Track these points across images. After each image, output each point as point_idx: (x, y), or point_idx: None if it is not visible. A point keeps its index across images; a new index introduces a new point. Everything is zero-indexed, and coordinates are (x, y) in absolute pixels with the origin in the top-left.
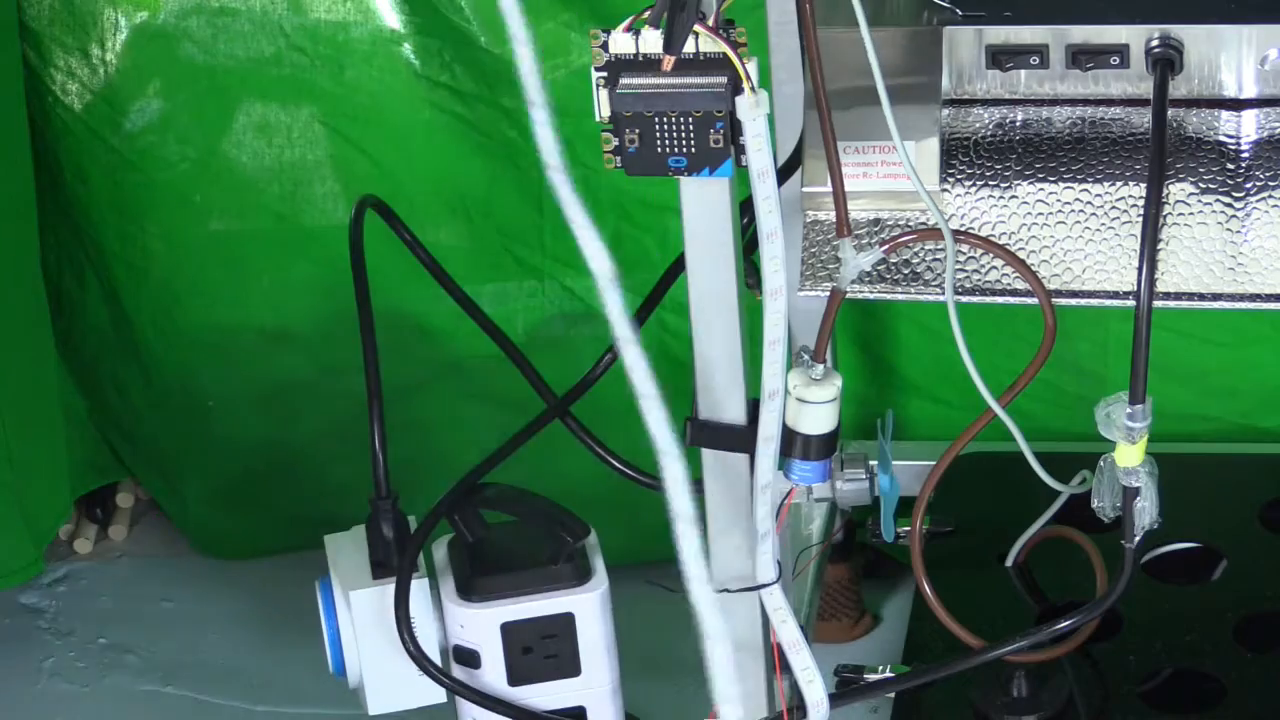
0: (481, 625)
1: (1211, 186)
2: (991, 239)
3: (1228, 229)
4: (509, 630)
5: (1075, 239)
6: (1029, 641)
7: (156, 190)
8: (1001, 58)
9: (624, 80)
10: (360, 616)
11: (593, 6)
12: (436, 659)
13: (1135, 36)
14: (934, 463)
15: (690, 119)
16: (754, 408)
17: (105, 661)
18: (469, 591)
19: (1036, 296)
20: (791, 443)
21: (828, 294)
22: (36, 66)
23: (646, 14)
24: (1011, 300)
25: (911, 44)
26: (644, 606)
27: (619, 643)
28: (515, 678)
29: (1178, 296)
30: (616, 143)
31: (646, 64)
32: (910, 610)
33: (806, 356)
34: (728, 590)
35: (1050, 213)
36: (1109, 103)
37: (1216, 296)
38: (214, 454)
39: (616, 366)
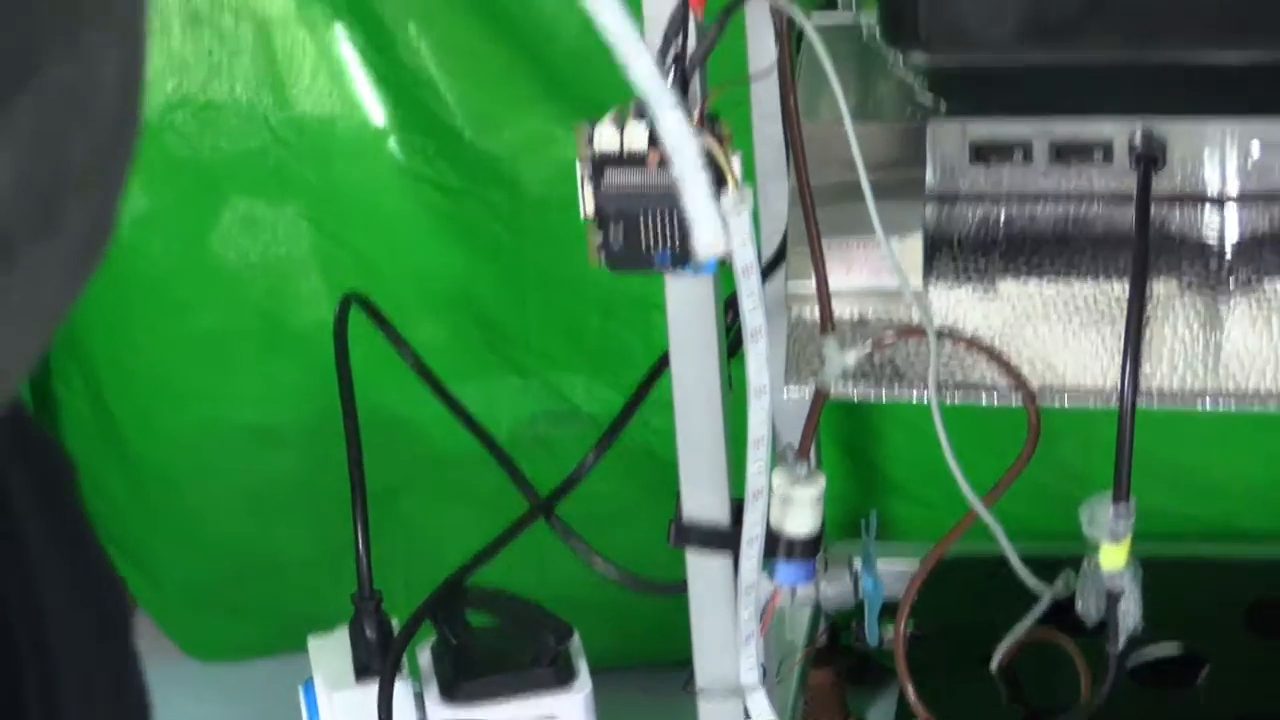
0: None
1: (1195, 284)
2: (975, 337)
3: (1210, 327)
4: None
5: (1059, 337)
6: None
7: (141, 286)
8: (985, 153)
9: (609, 175)
10: (344, 719)
11: (577, 100)
12: None
13: (1119, 132)
14: (918, 564)
15: (675, 215)
16: (738, 508)
17: None
18: (452, 694)
19: (1020, 395)
20: (776, 543)
21: (812, 392)
22: None
23: (632, 107)
24: (996, 398)
25: (896, 139)
26: (630, 710)
27: None
28: None
29: (1161, 395)
30: (601, 238)
31: (631, 159)
32: (894, 715)
33: (791, 455)
34: (711, 693)
35: (1034, 310)
36: (1093, 198)
37: (1200, 395)
38: (196, 553)
39: (602, 466)
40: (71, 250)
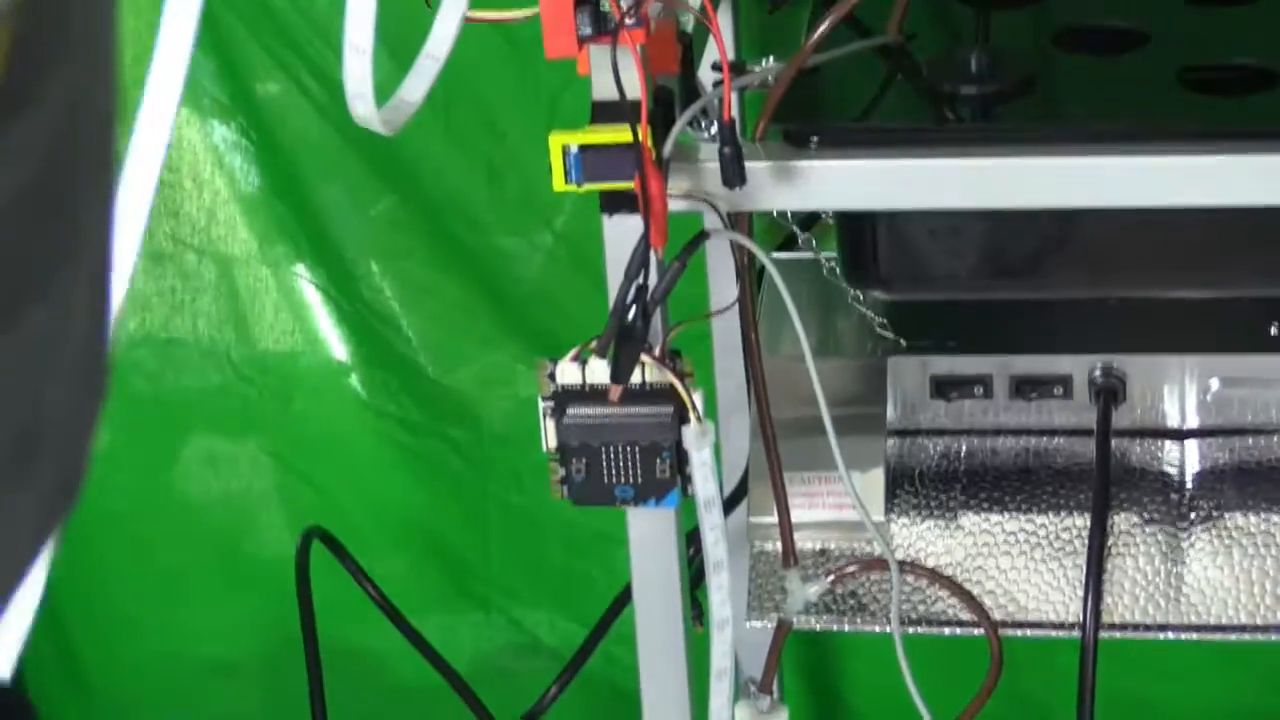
0: None
1: (1155, 517)
2: (937, 570)
3: (1172, 559)
4: None
5: (1021, 570)
6: None
7: (103, 521)
8: (946, 388)
9: (571, 410)
10: None
11: (538, 336)
12: None
13: (1079, 367)
14: None
15: (637, 449)
16: None
17: None
18: None
19: (982, 627)
20: None
21: (774, 624)
22: None
23: (594, 344)
24: (958, 631)
25: (857, 374)
26: None
27: None
28: None
29: (1123, 627)
30: (564, 473)
31: (593, 394)
32: None
33: (754, 688)
34: None
35: (995, 543)
36: (1053, 433)
37: (1162, 627)
38: None
39: (565, 699)
40: (46, 494)
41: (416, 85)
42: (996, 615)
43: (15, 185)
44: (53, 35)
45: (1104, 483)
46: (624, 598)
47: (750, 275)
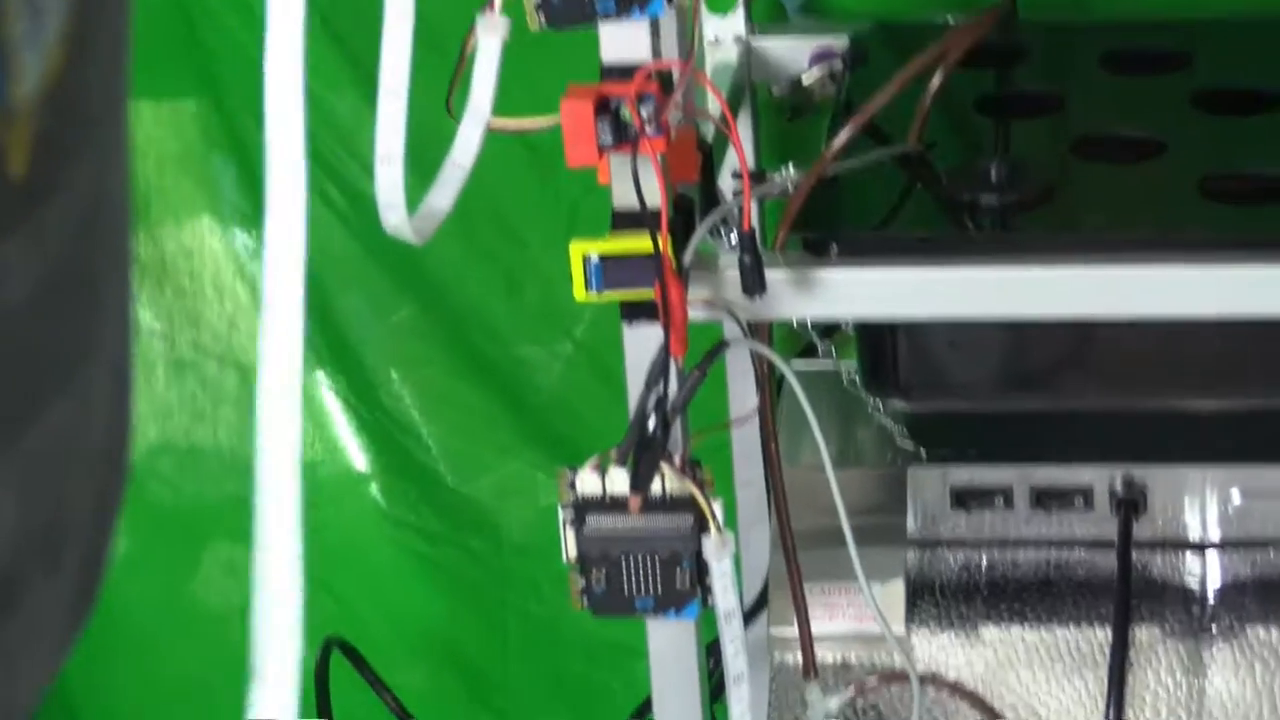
0: None
1: (1177, 630)
2: (959, 683)
3: (1193, 673)
4: None
5: (1042, 683)
6: None
7: (123, 630)
8: (966, 499)
9: (591, 521)
10: None
11: (558, 445)
12: None
13: (1099, 478)
14: None
15: (657, 559)
16: None
17: None
18: None
19: None
20: None
21: None
22: None
23: (614, 452)
24: None
25: (877, 485)
26: None
27: None
28: None
29: None
30: (584, 583)
31: (613, 503)
32: None
33: None
34: None
35: (1017, 656)
36: (1074, 544)
37: None
38: None
39: None
40: (69, 592)
41: (444, 193)
42: None
43: (42, 273)
44: (73, 128)
45: (1125, 596)
46: (643, 710)
47: (770, 384)
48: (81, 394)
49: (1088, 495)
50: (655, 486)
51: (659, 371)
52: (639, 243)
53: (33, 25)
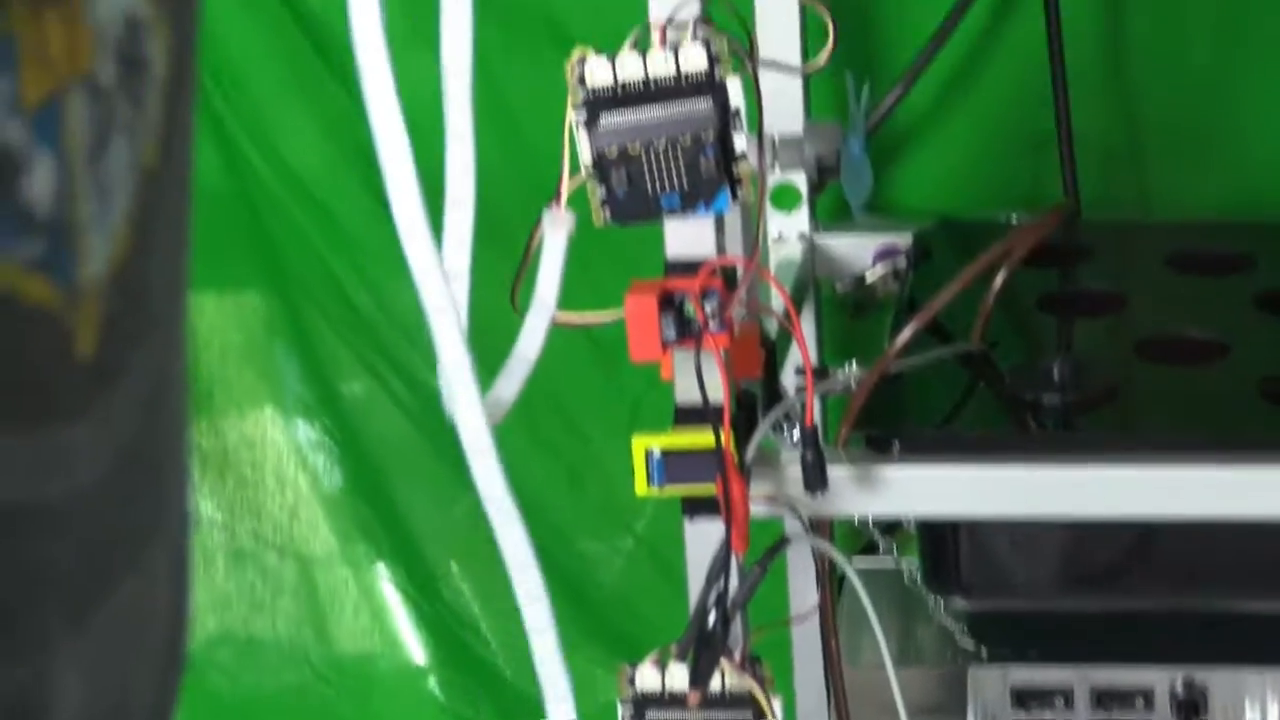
0: None
1: None
2: None
3: None
4: None
5: None
6: None
7: None
8: (1027, 699)
9: (650, 716)
10: None
11: (619, 641)
12: None
13: (1160, 680)
14: None
15: None
16: None
17: None
18: None
19: None
20: None
21: None
22: None
23: (673, 648)
24: None
25: (937, 684)
26: None
27: None
28: None
29: None
30: None
31: (673, 699)
32: None
33: None
34: None
35: None
36: None
37: None
38: None
39: None
40: None
41: (509, 385)
42: None
43: (114, 453)
44: (138, 310)
45: None
46: None
47: (831, 581)
48: (147, 575)
49: (1149, 697)
50: (715, 682)
51: (720, 567)
52: (701, 438)
53: (100, 208)
